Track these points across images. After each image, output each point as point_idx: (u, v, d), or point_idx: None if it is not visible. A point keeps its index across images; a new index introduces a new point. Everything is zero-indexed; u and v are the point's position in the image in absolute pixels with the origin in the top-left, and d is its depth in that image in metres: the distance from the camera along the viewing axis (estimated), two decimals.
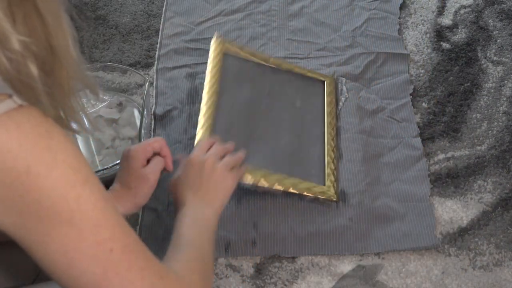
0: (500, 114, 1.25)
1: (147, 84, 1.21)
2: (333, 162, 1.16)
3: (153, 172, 0.96)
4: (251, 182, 1.09)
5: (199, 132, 1.11)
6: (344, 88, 1.29)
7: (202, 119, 1.13)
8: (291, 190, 1.10)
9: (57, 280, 0.62)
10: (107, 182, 1.18)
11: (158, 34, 1.45)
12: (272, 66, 1.27)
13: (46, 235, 0.59)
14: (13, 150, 0.55)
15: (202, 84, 1.31)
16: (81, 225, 0.60)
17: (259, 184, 1.08)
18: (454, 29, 1.41)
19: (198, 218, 0.90)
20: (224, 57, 1.23)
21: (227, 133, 1.14)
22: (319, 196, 1.11)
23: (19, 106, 0.56)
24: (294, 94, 1.25)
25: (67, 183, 0.58)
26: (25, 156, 0.56)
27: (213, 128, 1.13)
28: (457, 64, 1.34)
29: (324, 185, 1.13)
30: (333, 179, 1.14)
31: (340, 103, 1.27)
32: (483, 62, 1.34)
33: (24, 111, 0.57)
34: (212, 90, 1.18)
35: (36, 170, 0.56)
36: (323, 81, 1.28)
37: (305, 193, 1.11)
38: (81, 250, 0.60)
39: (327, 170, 1.14)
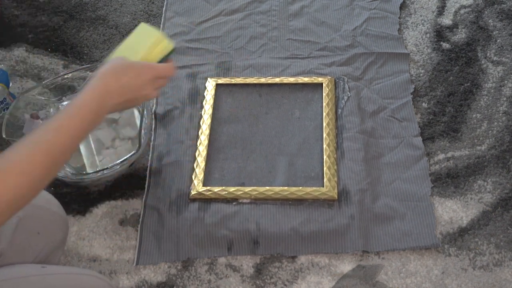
0: (500, 114, 1.25)
1: None
2: (332, 162, 1.17)
3: None
4: (248, 200, 1.13)
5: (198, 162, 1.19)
6: (347, 86, 1.30)
7: (199, 152, 1.20)
8: (290, 197, 1.13)
9: None
10: (108, 182, 1.19)
11: None
12: (267, 83, 1.31)
13: None
14: None
15: (202, 83, 1.32)
16: None
17: (257, 200, 1.13)
18: (454, 29, 1.41)
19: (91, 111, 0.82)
20: (217, 92, 1.30)
21: (225, 159, 1.20)
22: (320, 197, 1.12)
23: None
24: (293, 105, 1.28)
25: None
26: None
27: (211, 155, 1.20)
28: (457, 64, 1.34)
29: (323, 186, 1.13)
30: (332, 178, 1.14)
31: (343, 101, 1.27)
32: (483, 62, 1.34)
33: None
34: (208, 123, 1.24)
35: None
36: (321, 83, 1.29)
37: (305, 198, 1.12)
38: None
39: (325, 171, 1.15)
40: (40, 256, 0.90)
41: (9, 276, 0.78)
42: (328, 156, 1.17)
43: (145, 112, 1.18)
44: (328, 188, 1.13)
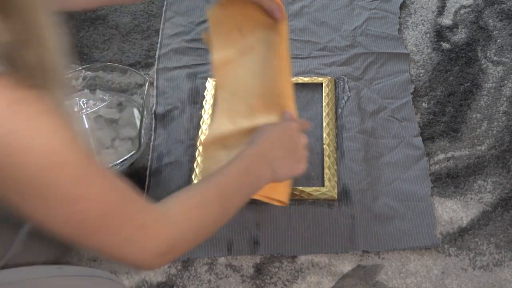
0: (500, 114, 1.25)
1: (147, 84, 1.21)
2: (332, 162, 1.17)
3: None
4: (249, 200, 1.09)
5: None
6: (347, 86, 1.30)
7: (199, 153, 1.20)
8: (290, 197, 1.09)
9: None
10: None
11: (158, 34, 1.45)
12: None
13: (22, 200, 0.59)
14: None
15: (203, 83, 1.33)
16: (57, 197, 0.59)
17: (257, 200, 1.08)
18: (454, 29, 1.41)
19: (248, 172, 0.86)
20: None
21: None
22: (320, 197, 1.12)
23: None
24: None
25: (45, 155, 0.57)
26: (4, 124, 0.54)
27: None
28: (457, 64, 1.34)
29: (323, 186, 1.13)
30: (332, 178, 1.14)
31: (343, 101, 1.27)
32: (483, 62, 1.34)
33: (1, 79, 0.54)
34: (208, 123, 1.23)
35: (17, 142, 0.55)
36: (321, 83, 1.29)
37: (305, 198, 1.12)
38: (54, 218, 0.61)
39: (325, 171, 1.15)
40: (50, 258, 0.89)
41: (25, 277, 0.77)
42: (328, 156, 1.17)
43: (145, 112, 1.18)
44: (328, 188, 1.13)
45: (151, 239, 0.69)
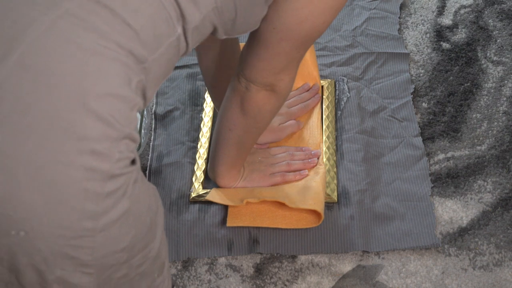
0: (500, 114, 1.25)
1: None
2: (332, 164, 1.16)
3: None
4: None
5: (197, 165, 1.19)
6: (346, 87, 1.30)
7: (199, 155, 1.20)
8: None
9: None
10: None
11: None
12: None
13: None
14: None
15: (203, 85, 1.32)
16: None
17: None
18: (454, 29, 1.41)
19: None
20: None
21: None
22: None
23: None
24: None
25: None
26: None
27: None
28: (457, 64, 1.34)
29: None
30: (331, 181, 1.14)
31: (342, 103, 1.27)
32: (483, 62, 1.34)
33: None
34: (209, 125, 1.23)
35: None
36: (321, 86, 1.29)
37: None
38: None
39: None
40: None
41: None
42: (328, 159, 1.17)
43: (145, 112, 1.18)
44: (327, 192, 1.13)
45: None
